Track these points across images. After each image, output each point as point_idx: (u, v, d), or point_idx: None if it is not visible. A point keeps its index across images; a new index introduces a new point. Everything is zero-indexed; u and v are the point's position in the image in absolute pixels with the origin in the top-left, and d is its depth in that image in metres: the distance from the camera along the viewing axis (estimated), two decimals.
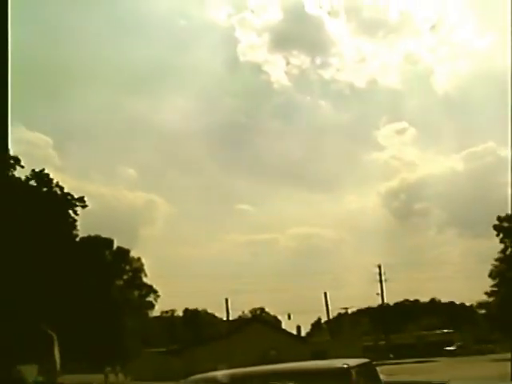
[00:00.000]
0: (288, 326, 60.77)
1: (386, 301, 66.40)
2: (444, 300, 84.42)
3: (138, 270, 58.95)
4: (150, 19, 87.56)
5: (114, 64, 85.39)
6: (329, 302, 62.01)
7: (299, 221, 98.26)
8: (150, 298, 61.39)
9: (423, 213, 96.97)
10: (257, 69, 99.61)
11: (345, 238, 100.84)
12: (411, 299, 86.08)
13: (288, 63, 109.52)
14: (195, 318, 76.01)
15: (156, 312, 68.22)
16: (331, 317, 65.77)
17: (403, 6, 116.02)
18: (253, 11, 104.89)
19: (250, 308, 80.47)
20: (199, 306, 78.83)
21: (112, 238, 52.73)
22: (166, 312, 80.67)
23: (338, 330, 64.52)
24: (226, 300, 58.02)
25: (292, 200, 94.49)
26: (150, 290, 60.19)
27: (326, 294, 62.18)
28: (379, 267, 63.61)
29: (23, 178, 43.46)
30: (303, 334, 66.40)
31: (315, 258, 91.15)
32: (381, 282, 63.47)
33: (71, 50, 78.47)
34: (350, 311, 74.35)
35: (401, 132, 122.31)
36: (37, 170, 44.08)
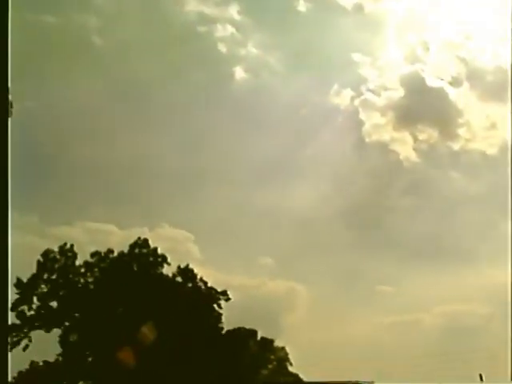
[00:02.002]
0: None
1: None
2: None
3: (282, 359, 59.15)
4: (274, 111, 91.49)
5: (243, 159, 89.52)
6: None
7: (443, 298, 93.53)
8: None
9: None
10: (384, 148, 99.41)
11: (495, 314, 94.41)
12: None
13: (415, 139, 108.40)
14: None
15: None
16: None
17: None
18: (373, 91, 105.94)
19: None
20: None
21: (255, 328, 53.73)
22: None
23: None
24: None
25: (433, 277, 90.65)
26: (296, 379, 59.83)
27: (481, 376, 58.44)
28: None
29: (170, 275, 46.35)
30: None
31: (465, 337, 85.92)
32: None
33: (202, 152, 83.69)
34: None
35: None
36: (182, 266, 46.87)
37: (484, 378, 57.52)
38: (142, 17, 72.43)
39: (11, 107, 6.69)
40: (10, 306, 42.19)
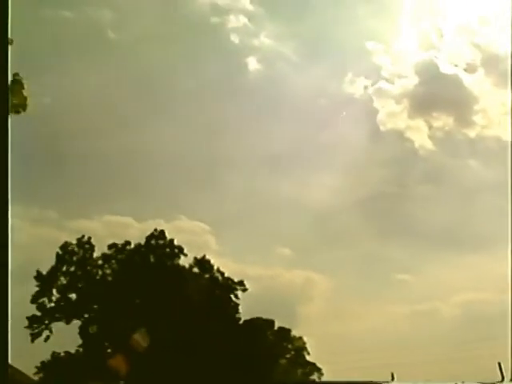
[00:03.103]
0: None
1: None
2: None
3: (300, 348, 59.44)
4: (288, 101, 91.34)
5: (258, 149, 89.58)
6: (504, 372, 57.86)
7: (462, 286, 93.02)
8: (314, 377, 61.22)
9: None
10: (399, 136, 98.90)
11: None
12: None
13: (431, 127, 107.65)
14: None
15: None
16: None
17: None
18: (387, 80, 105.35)
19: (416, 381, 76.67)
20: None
21: (273, 318, 54.02)
22: None
23: None
24: (392, 374, 56.34)
25: (451, 265, 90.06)
26: (314, 368, 60.14)
27: (500, 364, 58.16)
28: None
29: (187, 266, 46.75)
30: None
31: (483, 325, 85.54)
32: None
33: (217, 143, 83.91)
34: None
35: None
36: (198, 257, 47.25)
37: (503, 368, 57.23)
38: (155, 10, 72.51)
39: (26, 102, 6.90)
40: (30, 298, 43.04)
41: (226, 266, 49.66)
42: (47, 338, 42.90)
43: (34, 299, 43.18)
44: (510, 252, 39.84)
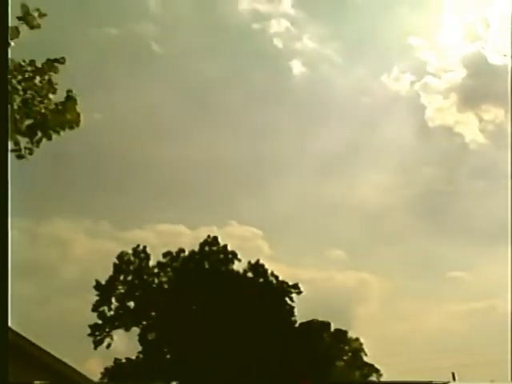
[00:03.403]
0: None
1: None
2: None
3: (357, 350, 59.14)
4: (334, 102, 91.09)
5: (306, 152, 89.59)
6: None
7: None
8: (373, 378, 60.76)
9: None
10: (449, 132, 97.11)
11: None
12: None
13: (481, 120, 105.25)
14: None
15: None
16: None
17: None
18: (434, 74, 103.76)
19: (478, 383, 74.84)
20: None
21: (328, 320, 53.94)
22: None
23: None
24: (453, 374, 55.30)
25: (506, 260, 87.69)
26: (372, 369, 59.69)
27: None
28: None
29: (241, 271, 47.19)
30: None
31: None
32: None
33: (266, 147, 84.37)
34: None
35: None
36: (252, 261, 47.62)
37: None
38: (197, 21, 73.63)
39: (79, 118, 7.36)
40: (91, 307, 44.38)
41: (279, 270, 49.95)
42: (109, 345, 44.07)
43: (95, 308, 44.44)
44: (510, 253, 38.39)
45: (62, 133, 7.18)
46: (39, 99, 7.06)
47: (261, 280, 46.64)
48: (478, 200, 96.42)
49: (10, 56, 6.48)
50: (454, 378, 54.22)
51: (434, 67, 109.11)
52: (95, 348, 43.57)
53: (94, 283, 44.70)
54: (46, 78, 7.11)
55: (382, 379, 60.88)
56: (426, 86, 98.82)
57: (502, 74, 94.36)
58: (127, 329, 44.94)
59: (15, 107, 6.85)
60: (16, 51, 6.79)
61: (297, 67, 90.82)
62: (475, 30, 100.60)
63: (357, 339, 59.10)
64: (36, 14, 7.00)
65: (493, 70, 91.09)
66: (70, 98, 7.06)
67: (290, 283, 46.72)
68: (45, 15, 7.09)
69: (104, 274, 45.38)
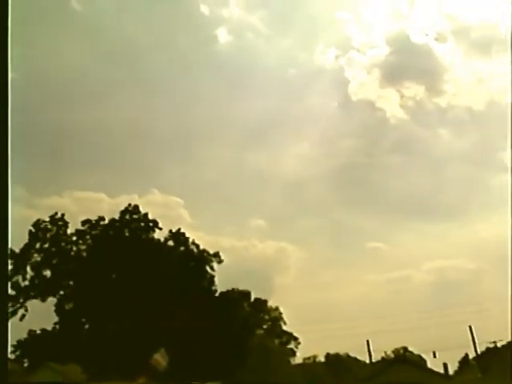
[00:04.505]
0: (434, 364, 58.53)
1: None
2: None
3: (276, 318, 60.17)
4: (259, 72, 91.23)
5: (231, 121, 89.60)
6: (475, 336, 59.20)
7: (432, 254, 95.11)
8: (291, 346, 62.15)
9: None
10: (371, 106, 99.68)
11: (483, 268, 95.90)
12: None
13: (402, 96, 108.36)
14: (337, 363, 75.47)
15: (298, 359, 68.67)
16: (479, 352, 62.56)
17: None
18: (358, 50, 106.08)
19: (393, 348, 78.13)
20: (341, 350, 78.10)
21: (249, 289, 54.46)
22: (308, 358, 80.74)
23: (488, 366, 61.08)
24: (368, 342, 57.33)
25: (422, 233, 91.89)
26: (291, 337, 60.99)
27: (471, 327, 59.38)
28: None
29: (162, 239, 46.68)
30: (451, 372, 63.49)
31: (455, 291, 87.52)
32: None
33: (189, 115, 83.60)
34: (499, 345, 70.10)
35: None
36: (173, 230, 47.19)
37: (474, 330, 58.68)
38: None
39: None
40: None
41: (200, 238, 49.79)
42: (22, 316, 42.57)
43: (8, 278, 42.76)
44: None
45: None
46: None
47: (182, 248, 46.36)
48: (396, 174, 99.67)
49: None
50: (368, 345, 56.25)
51: (359, 43, 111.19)
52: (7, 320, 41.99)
53: None
54: None
55: (300, 347, 62.40)
56: (351, 61, 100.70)
57: (424, 53, 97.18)
58: (43, 299, 43.55)
59: None
60: None
61: (223, 35, 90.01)
62: (400, 9, 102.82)
63: (276, 308, 60.13)
64: None
65: (415, 49, 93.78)
66: None
67: (211, 252, 46.72)
68: None
69: (19, 243, 43.64)
